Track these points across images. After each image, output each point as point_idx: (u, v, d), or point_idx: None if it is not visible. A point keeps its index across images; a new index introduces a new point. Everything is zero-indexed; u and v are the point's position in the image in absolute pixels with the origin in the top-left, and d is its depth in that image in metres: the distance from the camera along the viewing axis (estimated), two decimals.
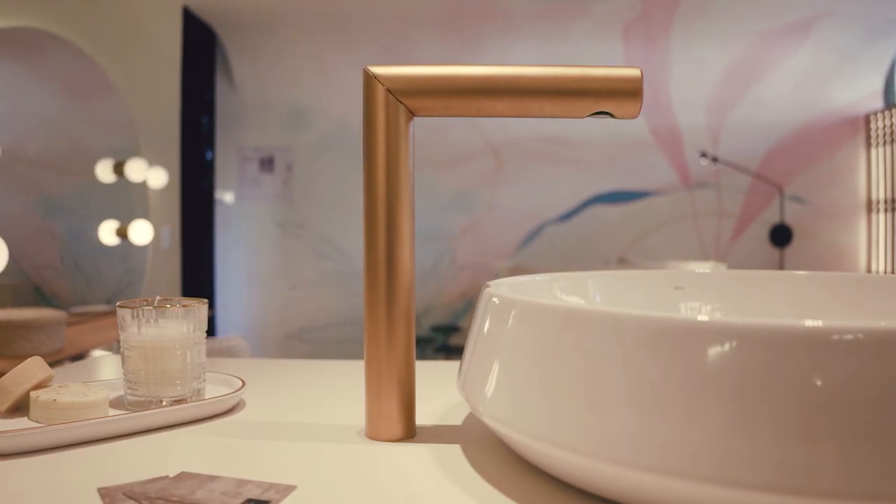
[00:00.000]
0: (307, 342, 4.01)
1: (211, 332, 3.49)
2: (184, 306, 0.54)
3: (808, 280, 0.61)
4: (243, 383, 0.57)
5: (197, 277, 3.43)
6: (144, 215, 2.59)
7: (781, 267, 3.61)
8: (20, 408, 0.50)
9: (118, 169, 2.42)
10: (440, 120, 3.91)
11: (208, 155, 3.69)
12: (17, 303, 2.03)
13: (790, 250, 3.66)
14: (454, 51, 3.82)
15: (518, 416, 0.36)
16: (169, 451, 0.45)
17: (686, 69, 3.70)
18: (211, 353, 1.73)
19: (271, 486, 0.38)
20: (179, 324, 0.53)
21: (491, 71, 0.46)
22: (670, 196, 3.83)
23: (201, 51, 3.49)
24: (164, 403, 0.52)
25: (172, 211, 2.96)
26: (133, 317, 0.52)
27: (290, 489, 0.38)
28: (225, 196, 3.97)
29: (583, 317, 0.34)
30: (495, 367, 0.39)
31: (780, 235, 3.60)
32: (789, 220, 3.64)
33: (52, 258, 2.34)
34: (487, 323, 0.42)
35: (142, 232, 2.45)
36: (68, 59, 2.27)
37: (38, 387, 0.50)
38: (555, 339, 0.35)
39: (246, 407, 0.57)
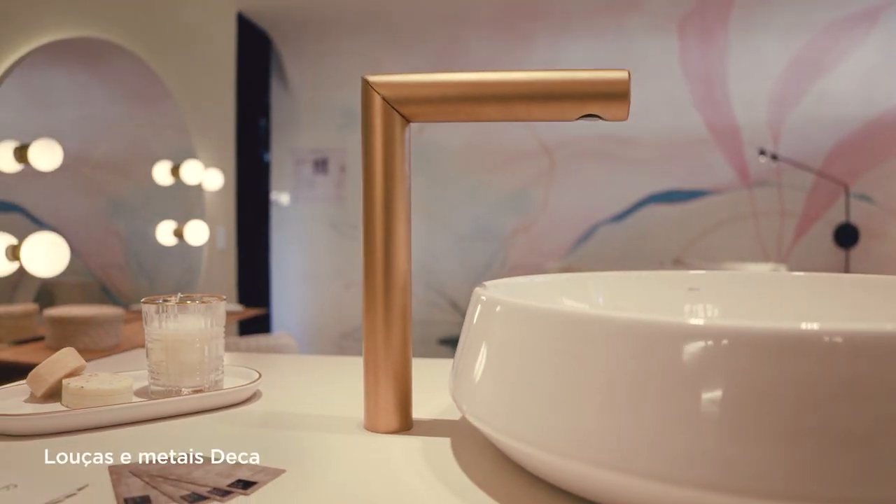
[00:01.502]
0: (361, 341, 4.08)
1: (266, 329, 3.60)
2: (203, 303, 0.58)
3: (830, 282, 0.60)
4: (260, 375, 0.60)
5: (253, 277, 3.55)
6: (200, 216, 2.70)
7: (847, 269, 3.45)
8: (54, 394, 0.54)
9: (175, 171, 2.53)
10: None
11: (265, 157, 3.81)
12: (84, 300, 2.15)
13: (856, 251, 3.50)
14: (505, 50, 3.83)
15: (496, 415, 0.37)
16: (182, 436, 0.49)
17: (745, 63, 3.59)
18: (260, 350, 1.80)
19: (262, 469, 0.41)
20: (198, 319, 0.57)
21: (480, 77, 0.47)
22: (729, 195, 3.72)
23: (256, 55, 3.61)
24: (183, 393, 0.56)
25: (228, 212, 3.08)
26: (156, 312, 0.56)
27: (278, 472, 0.41)
28: (280, 197, 4.08)
29: (557, 318, 0.35)
30: (477, 367, 0.41)
31: (846, 236, 3.45)
32: (855, 219, 3.48)
33: (117, 258, 2.46)
34: (473, 323, 0.44)
35: (197, 232, 2.55)
36: (129, 67, 2.39)
37: (70, 375, 0.54)
38: (531, 339, 0.36)
39: (262, 398, 0.60)
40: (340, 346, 4.12)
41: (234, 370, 0.63)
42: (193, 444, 0.46)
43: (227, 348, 1.55)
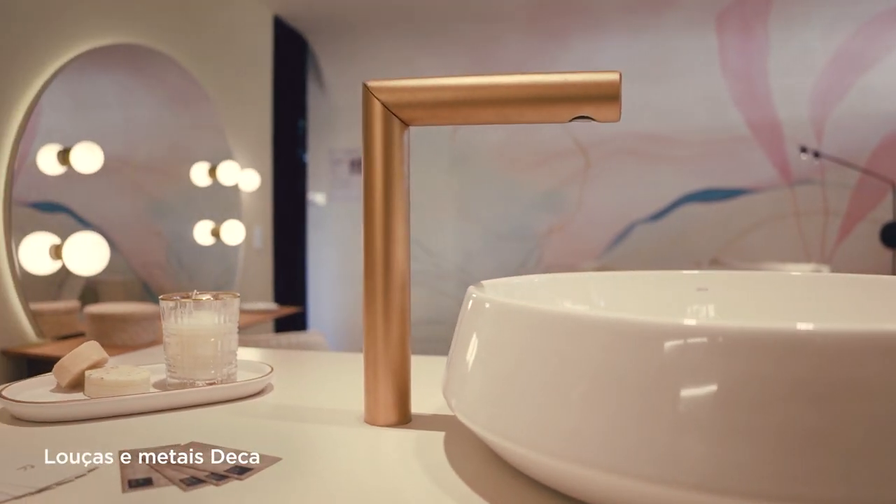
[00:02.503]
0: None
1: (302, 327, 3.66)
2: (217, 300, 0.60)
3: (846, 283, 0.59)
4: (271, 370, 0.63)
5: (289, 276, 3.62)
6: (237, 216, 2.76)
7: (894, 270, 3.34)
8: (78, 384, 0.58)
9: (212, 172, 2.60)
10: None
11: (303, 157, 3.88)
12: (127, 298, 2.23)
13: None
14: (539, 50, 3.82)
15: (481, 412, 0.38)
16: (193, 424, 0.51)
17: (786, 58, 3.50)
18: (291, 346, 1.84)
19: (260, 456, 0.43)
20: (212, 315, 0.60)
21: (473, 81, 0.48)
22: (769, 194, 3.64)
23: (293, 57, 3.67)
24: (197, 385, 0.58)
25: (265, 212, 3.14)
26: (172, 308, 0.59)
27: (275, 460, 0.43)
28: (317, 197, 4.15)
29: (540, 317, 0.35)
30: (464, 364, 0.42)
31: (893, 235, 3.33)
32: None
33: (159, 257, 2.54)
34: (462, 321, 0.45)
35: (233, 232, 2.62)
36: (169, 71, 2.46)
37: (92, 367, 0.58)
38: (515, 337, 0.37)
39: (274, 391, 0.62)
40: None
41: (248, 364, 0.66)
42: (200, 432, 0.49)
43: (260, 344, 1.59)
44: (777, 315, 0.58)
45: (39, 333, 1.71)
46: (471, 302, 0.44)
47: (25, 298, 1.68)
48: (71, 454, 0.44)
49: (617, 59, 3.75)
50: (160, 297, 0.60)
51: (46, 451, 0.45)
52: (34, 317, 1.70)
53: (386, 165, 0.51)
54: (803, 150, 3.37)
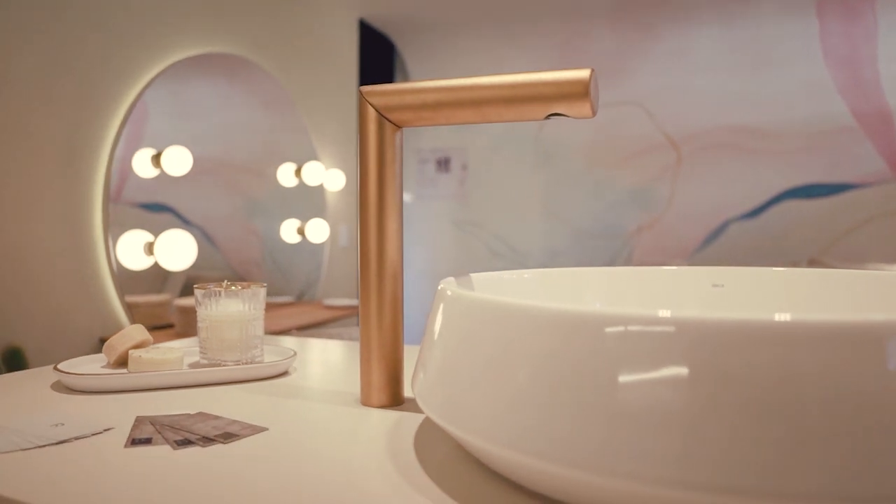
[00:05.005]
0: None
1: None
2: (244, 289, 0.66)
3: (860, 279, 0.58)
4: (294, 354, 0.68)
5: None
6: (322, 215, 2.90)
7: None
8: (123, 362, 0.65)
9: (298, 173, 2.73)
10: (614, 114, 3.83)
11: None
12: None
13: None
14: (628, 42, 3.73)
15: (431, 399, 0.39)
16: (210, 398, 0.57)
17: None
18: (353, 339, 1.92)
19: (249, 426, 0.48)
20: (238, 303, 0.66)
21: (453, 84, 0.51)
22: (878, 189, 3.38)
23: (380, 59, 3.79)
24: (224, 365, 0.65)
25: (350, 211, 3.27)
26: (203, 296, 0.65)
27: (261, 430, 0.48)
28: (404, 196, 4.26)
29: (490, 308, 0.36)
30: (425, 353, 0.44)
31: None
32: None
33: (255, 254, 2.69)
34: (431, 313, 0.47)
35: (318, 230, 2.75)
36: (260, 77, 2.62)
37: (136, 346, 0.65)
38: (468, 328, 0.37)
39: (296, 373, 0.68)
40: None
41: (275, 350, 0.71)
42: (211, 405, 0.55)
43: (343, 337, 1.67)
44: (784, 311, 0.57)
45: (134, 323, 1.88)
46: (437, 294, 0.46)
47: (121, 291, 1.86)
48: (97, 417, 0.51)
49: (710, 49, 3.61)
50: (195, 286, 0.67)
51: (78, 413, 0.52)
52: (129, 308, 1.87)
53: (380, 165, 0.55)
54: None
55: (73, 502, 0.35)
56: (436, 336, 0.41)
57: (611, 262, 3.93)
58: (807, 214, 3.51)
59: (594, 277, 0.62)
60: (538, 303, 0.33)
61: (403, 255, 4.17)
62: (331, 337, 1.57)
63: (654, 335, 0.29)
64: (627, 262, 3.91)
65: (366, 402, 0.55)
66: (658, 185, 3.84)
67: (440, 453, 0.43)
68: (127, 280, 1.89)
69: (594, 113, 0.49)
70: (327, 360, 0.76)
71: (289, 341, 0.88)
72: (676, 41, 3.66)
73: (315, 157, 2.88)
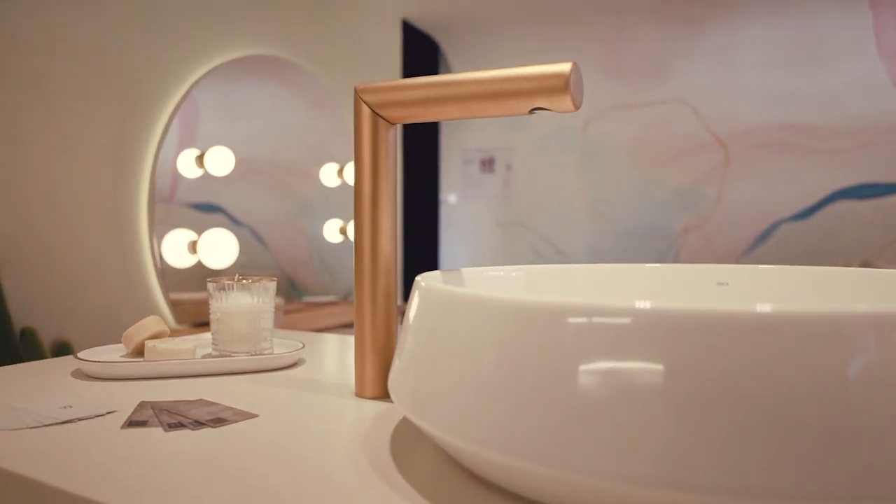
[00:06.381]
0: None
1: None
2: (254, 283, 0.69)
3: (863, 278, 0.56)
4: (303, 346, 0.71)
5: (421, 273, 3.77)
6: None
7: None
8: (140, 351, 0.69)
9: (340, 173, 2.78)
10: (660, 112, 3.76)
11: (436, 157, 4.03)
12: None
13: None
14: (673, 38, 3.67)
15: (399, 391, 0.39)
16: (215, 387, 0.60)
17: None
18: None
19: (241, 412, 0.50)
20: (248, 296, 0.68)
21: (439, 80, 0.52)
22: None
23: (424, 59, 3.82)
24: (234, 356, 0.67)
25: None
26: (215, 289, 0.68)
27: (252, 416, 0.50)
28: (449, 196, 4.28)
29: (455, 300, 0.36)
30: (398, 347, 0.44)
31: None
32: None
33: (303, 254, 2.73)
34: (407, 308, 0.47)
35: None
36: (305, 79, 2.67)
37: (153, 337, 0.69)
38: (436, 321, 0.38)
39: (304, 365, 0.70)
40: None
41: (285, 343, 0.74)
42: (212, 392, 0.57)
43: None
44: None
45: (178, 320, 1.95)
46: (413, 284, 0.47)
47: (166, 289, 1.93)
48: (106, 401, 0.54)
49: (759, 44, 3.51)
50: (207, 279, 0.70)
51: (89, 397, 0.55)
52: (173, 305, 1.95)
53: (373, 161, 0.56)
54: None
55: (61, 474, 0.38)
56: (407, 328, 0.42)
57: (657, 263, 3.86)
58: (860, 215, 3.37)
59: (595, 274, 0.62)
60: (500, 294, 0.33)
61: (446, 255, 4.20)
62: None
63: (611, 326, 0.29)
64: (674, 263, 3.83)
65: (360, 393, 0.57)
66: (705, 185, 3.75)
67: (412, 446, 0.44)
68: (176, 278, 1.96)
69: (576, 107, 0.49)
70: (338, 354, 0.78)
71: (306, 336, 0.91)
72: (723, 37, 3.58)
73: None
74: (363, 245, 0.56)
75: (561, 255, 4.06)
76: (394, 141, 0.57)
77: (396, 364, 0.42)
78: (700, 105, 3.73)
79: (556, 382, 0.29)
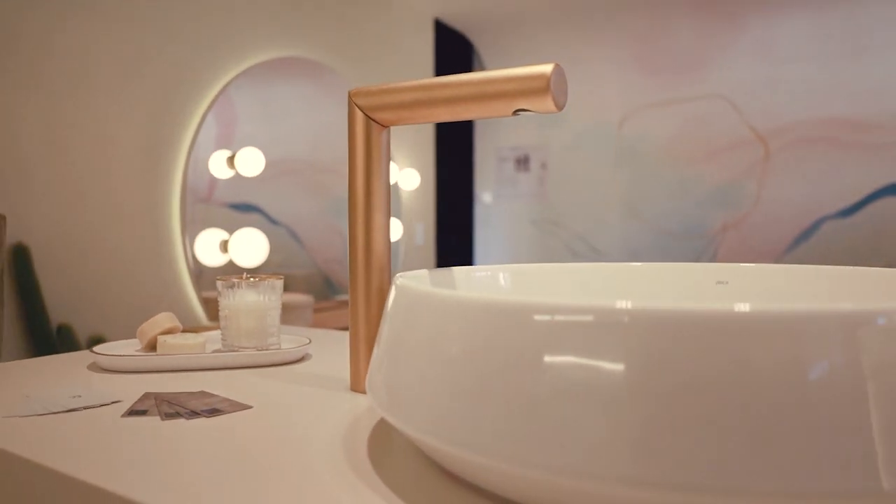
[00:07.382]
0: None
1: None
2: (262, 281, 0.71)
3: (866, 277, 0.55)
4: (309, 341, 0.73)
5: None
6: (396, 214, 2.97)
7: None
8: (154, 346, 0.72)
9: None
10: (698, 108, 3.70)
11: (470, 156, 4.04)
12: (308, 291, 2.49)
13: None
14: (710, 33, 3.60)
15: (374, 390, 0.40)
16: (219, 380, 0.62)
17: None
18: None
19: (237, 404, 0.53)
20: (256, 294, 0.71)
21: (426, 83, 0.54)
22: None
23: (457, 59, 3.83)
24: (241, 351, 0.70)
25: (427, 209, 3.33)
26: (224, 287, 0.71)
27: (245, 407, 0.52)
28: (484, 195, 4.28)
29: (426, 299, 0.36)
30: (375, 347, 0.45)
31: None
32: None
33: (337, 253, 2.78)
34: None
35: (392, 229, 2.82)
36: (342, 80, 2.71)
37: (166, 332, 0.72)
38: (410, 320, 0.38)
39: (311, 360, 0.72)
40: None
41: (293, 339, 0.76)
42: (213, 384, 0.60)
43: None
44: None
45: (210, 317, 2.01)
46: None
47: (198, 287, 2.00)
48: (114, 392, 0.57)
49: (799, 37, 3.42)
50: (217, 278, 0.73)
51: (98, 388, 0.58)
52: (205, 303, 2.00)
53: (367, 162, 0.58)
54: None
55: (57, 457, 0.41)
56: (382, 327, 0.43)
57: (695, 262, 3.79)
58: None
59: (590, 273, 0.63)
60: (464, 293, 0.34)
61: (481, 254, 4.21)
62: None
63: (573, 324, 0.29)
64: (712, 262, 3.76)
65: (354, 388, 0.59)
66: (744, 182, 3.67)
67: (391, 440, 0.46)
68: (209, 276, 2.02)
69: (559, 108, 0.50)
70: (344, 351, 0.80)
71: (317, 333, 0.93)
72: (762, 30, 3.49)
73: (390, 157, 2.96)
74: (357, 243, 0.58)
75: (597, 254, 4.03)
76: (386, 143, 0.59)
77: (372, 363, 0.44)
78: (739, 100, 3.65)
79: (520, 381, 0.30)
